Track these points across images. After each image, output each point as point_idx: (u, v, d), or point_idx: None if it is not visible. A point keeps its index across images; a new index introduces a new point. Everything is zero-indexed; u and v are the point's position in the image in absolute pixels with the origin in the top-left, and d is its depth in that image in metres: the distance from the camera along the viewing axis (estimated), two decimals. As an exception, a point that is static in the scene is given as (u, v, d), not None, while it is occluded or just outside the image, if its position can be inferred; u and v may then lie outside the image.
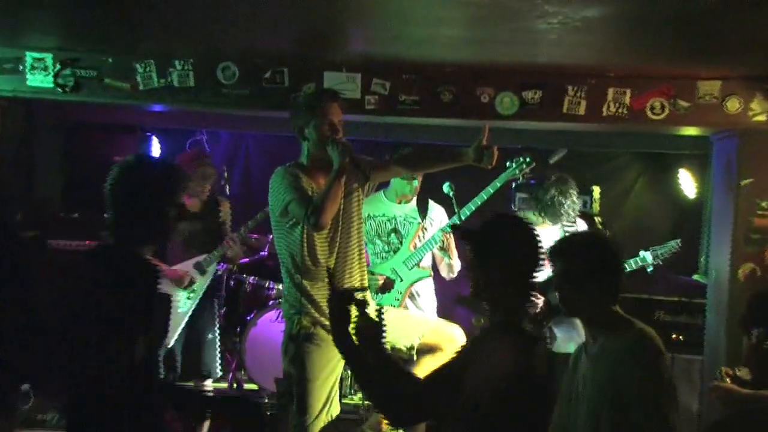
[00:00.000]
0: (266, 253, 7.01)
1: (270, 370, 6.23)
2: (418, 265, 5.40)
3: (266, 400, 6.06)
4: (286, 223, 4.14)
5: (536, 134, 6.48)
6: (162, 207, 2.88)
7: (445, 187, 5.39)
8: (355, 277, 4.23)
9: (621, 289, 3.17)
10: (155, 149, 7.71)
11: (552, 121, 5.64)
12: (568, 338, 5.45)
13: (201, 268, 5.63)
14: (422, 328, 4.43)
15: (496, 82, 5.54)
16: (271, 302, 6.68)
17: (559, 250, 3.22)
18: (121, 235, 2.85)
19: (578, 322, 5.45)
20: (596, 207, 5.99)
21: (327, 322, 4.08)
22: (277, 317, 6.36)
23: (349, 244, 4.22)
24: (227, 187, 6.64)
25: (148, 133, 7.71)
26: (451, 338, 4.38)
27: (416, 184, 5.46)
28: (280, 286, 6.79)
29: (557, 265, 3.19)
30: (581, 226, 5.54)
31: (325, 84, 5.43)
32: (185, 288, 5.52)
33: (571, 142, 6.78)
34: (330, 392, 4.18)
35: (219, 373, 5.80)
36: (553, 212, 5.33)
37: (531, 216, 5.45)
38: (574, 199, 5.36)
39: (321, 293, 4.13)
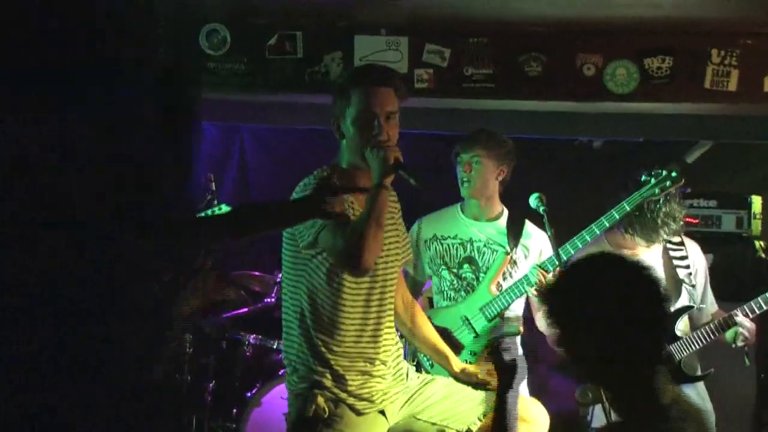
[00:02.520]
0: (273, 300, 6.96)
1: (281, 469, 6.25)
2: (501, 315, 5.33)
3: None
4: (311, 258, 4.11)
5: (665, 120, 6.41)
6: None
7: (533, 200, 5.23)
8: (391, 341, 4.25)
9: (660, 346, 3.02)
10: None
11: (688, 101, 5.62)
12: None
13: None
14: (483, 406, 4.39)
15: (605, 46, 5.53)
16: (282, 371, 6.62)
17: (558, 284, 3.16)
18: None
19: (702, 389, 5.47)
20: (757, 226, 5.89)
21: (353, 401, 4.08)
22: (290, 393, 6.33)
23: (386, 296, 4.22)
24: (215, 202, 6.64)
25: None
26: (529, 419, 4.32)
27: (465, 158, 5.28)
28: None
29: (553, 305, 3.08)
30: (692, 248, 5.44)
31: (357, 53, 5.43)
32: None
33: (717, 131, 6.71)
34: None
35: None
36: (646, 226, 5.22)
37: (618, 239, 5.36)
38: (674, 205, 5.21)
39: (346, 362, 4.11)
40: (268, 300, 7.03)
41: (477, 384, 4.37)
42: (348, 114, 4.06)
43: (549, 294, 3.07)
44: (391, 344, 4.24)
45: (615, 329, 2.84)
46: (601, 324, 2.86)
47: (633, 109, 5.90)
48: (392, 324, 4.28)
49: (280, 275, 6.73)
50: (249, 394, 6.65)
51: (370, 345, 4.13)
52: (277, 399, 6.43)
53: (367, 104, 4.02)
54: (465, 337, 5.26)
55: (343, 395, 4.08)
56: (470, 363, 5.14)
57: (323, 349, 4.09)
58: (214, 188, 6.68)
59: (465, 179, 5.26)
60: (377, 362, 4.17)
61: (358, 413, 4.11)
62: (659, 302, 2.89)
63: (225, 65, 5.54)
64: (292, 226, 4.01)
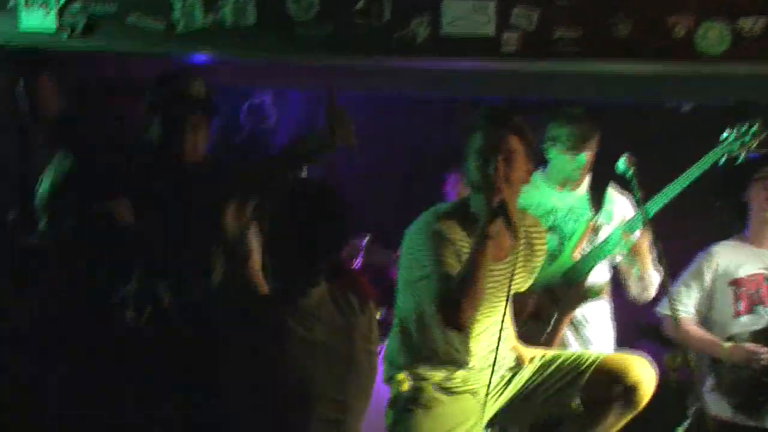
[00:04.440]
0: (360, 265, 7.09)
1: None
2: (583, 281, 5.27)
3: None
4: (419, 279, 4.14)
5: (758, 82, 6.26)
6: None
7: (620, 163, 5.19)
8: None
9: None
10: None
11: (781, 60, 5.44)
12: None
13: None
14: (580, 365, 4.32)
15: (697, 6, 5.40)
16: None
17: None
18: None
19: None
20: None
21: (440, 379, 4.13)
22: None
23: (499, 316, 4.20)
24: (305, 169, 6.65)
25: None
26: (639, 379, 4.21)
27: (584, 160, 5.31)
28: (381, 313, 6.82)
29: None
30: None
31: (445, 18, 5.36)
32: None
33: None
34: None
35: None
36: None
37: None
38: None
39: (434, 340, 4.16)
40: (355, 265, 7.09)
41: None
42: (469, 155, 4.08)
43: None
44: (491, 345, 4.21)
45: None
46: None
47: (724, 71, 5.74)
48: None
49: (365, 240, 6.81)
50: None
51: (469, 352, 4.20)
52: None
53: (482, 145, 4.04)
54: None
55: (431, 373, 4.18)
56: None
57: (412, 333, 4.19)
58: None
59: (577, 172, 5.25)
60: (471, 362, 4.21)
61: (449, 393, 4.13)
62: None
63: (313, 30, 5.46)
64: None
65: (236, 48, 5.58)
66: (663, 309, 5.45)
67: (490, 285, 4.04)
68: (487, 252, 3.87)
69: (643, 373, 4.23)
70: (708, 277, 5.42)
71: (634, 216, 5.18)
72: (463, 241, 4.02)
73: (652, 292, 5.33)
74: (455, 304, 3.83)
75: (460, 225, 4.06)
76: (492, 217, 3.87)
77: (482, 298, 3.96)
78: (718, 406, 5.34)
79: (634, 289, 5.38)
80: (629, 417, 4.27)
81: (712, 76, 5.94)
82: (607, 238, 5.22)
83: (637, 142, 5.30)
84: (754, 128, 5.11)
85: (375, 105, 7.41)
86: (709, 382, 5.41)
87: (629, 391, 4.18)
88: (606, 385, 4.21)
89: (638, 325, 6.58)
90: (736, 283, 5.38)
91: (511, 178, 3.98)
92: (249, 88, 7.62)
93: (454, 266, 3.94)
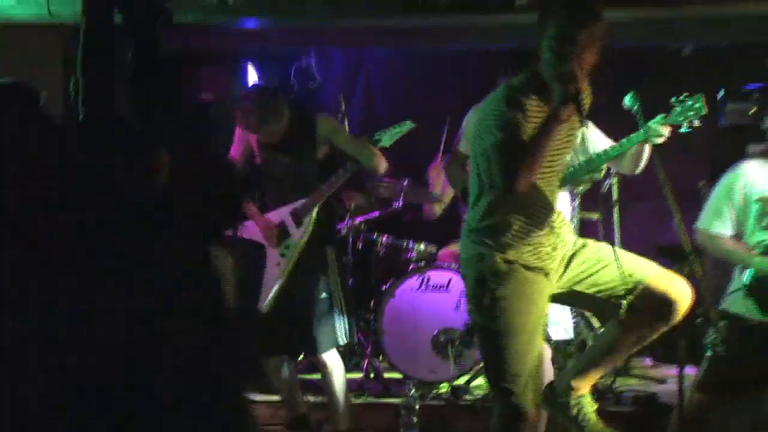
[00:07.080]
0: (401, 204, 7.31)
1: (416, 351, 6.73)
2: None
3: (413, 392, 6.10)
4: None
5: (754, 22, 6.34)
6: None
7: (628, 99, 5.02)
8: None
9: None
10: (252, 81, 8.17)
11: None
12: None
13: (297, 219, 5.74)
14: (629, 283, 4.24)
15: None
16: (411, 266, 7.10)
17: None
18: None
19: None
20: None
21: (530, 260, 4.18)
22: (420, 285, 6.82)
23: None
24: (345, 123, 7.08)
25: (242, 60, 8.14)
26: (677, 298, 4.22)
27: None
28: (422, 246, 7.29)
29: None
30: None
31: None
32: (277, 245, 5.74)
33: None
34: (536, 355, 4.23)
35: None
36: None
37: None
38: None
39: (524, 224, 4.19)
40: (396, 204, 7.39)
41: None
42: (545, 44, 4.00)
43: None
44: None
45: None
46: None
47: (722, 13, 5.97)
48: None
49: (406, 181, 7.19)
50: (384, 288, 6.98)
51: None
52: (408, 291, 6.88)
53: (583, 35, 3.92)
54: None
55: (522, 256, 4.16)
56: None
57: (507, 214, 4.16)
58: (343, 109, 7.16)
59: None
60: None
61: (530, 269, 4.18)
62: None
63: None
64: None
65: (285, 14, 6.07)
66: (703, 225, 5.16)
67: (554, 154, 4.13)
68: (556, 128, 3.96)
69: (684, 296, 4.23)
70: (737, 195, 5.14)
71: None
72: (534, 110, 4.04)
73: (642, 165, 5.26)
74: (518, 166, 3.93)
75: (535, 95, 4.05)
76: (566, 102, 3.90)
77: (544, 166, 4.06)
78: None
79: (626, 165, 5.34)
80: (661, 331, 4.32)
81: (712, 17, 6.21)
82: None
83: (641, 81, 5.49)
84: (699, 104, 4.98)
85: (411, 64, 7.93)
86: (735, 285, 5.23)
87: (669, 311, 4.21)
88: (651, 303, 4.22)
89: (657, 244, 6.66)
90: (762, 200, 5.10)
91: (585, 63, 3.96)
92: (298, 50, 8.06)
93: (525, 130, 3.98)
